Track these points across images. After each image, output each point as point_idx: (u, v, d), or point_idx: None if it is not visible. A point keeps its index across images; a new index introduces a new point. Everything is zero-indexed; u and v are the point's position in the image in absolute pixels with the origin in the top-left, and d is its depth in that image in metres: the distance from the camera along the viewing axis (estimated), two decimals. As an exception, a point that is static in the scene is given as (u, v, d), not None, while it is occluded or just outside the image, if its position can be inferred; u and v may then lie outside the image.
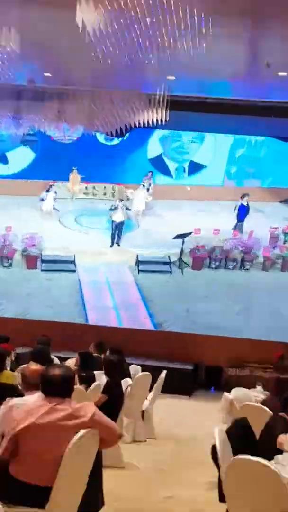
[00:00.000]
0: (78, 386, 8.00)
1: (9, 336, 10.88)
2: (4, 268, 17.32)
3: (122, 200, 19.37)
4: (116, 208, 19.05)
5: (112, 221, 18.89)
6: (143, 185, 20.86)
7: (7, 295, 16.08)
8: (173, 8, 6.82)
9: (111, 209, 19.11)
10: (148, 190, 22.75)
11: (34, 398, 4.83)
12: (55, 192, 20.38)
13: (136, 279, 17.27)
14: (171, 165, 24.78)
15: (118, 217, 18.88)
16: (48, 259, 17.66)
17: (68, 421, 4.53)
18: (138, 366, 11.37)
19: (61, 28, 8.45)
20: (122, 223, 18.97)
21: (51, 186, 20.45)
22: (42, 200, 20.30)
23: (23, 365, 8.32)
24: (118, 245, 18.83)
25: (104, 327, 15.32)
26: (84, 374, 9.05)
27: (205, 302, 16.33)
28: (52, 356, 9.73)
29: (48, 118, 14.92)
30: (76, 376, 8.34)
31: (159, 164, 24.45)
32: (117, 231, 18.98)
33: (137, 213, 21.06)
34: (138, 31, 7.83)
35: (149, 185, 23.06)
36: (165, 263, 18.09)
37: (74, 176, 22.38)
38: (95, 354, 10.35)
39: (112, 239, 18.84)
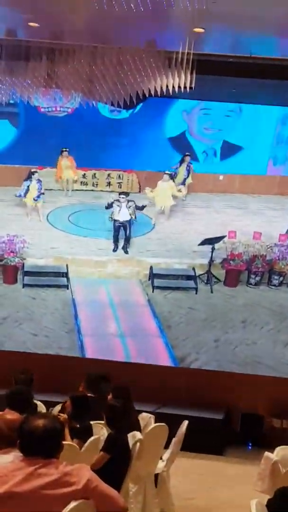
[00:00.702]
0: (69, 442, 7.97)
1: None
2: (-27, 283, 17.36)
3: (127, 194, 19.28)
4: (118, 205, 18.95)
5: (115, 220, 18.84)
6: (168, 174, 20.82)
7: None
8: None
9: (107, 207, 19.05)
10: (183, 182, 22.78)
11: (9, 459, 4.79)
12: (39, 180, 20.34)
13: (149, 298, 17.24)
14: (198, 147, 24.82)
15: (122, 214, 18.81)
16: (33, 270, 17.68)
17: (55, 490, 4.49)
18: (151, 415, 11.33)
19: None
20: (129, 222, 18.90)
21: (32, 173, 20.43)
22: (20, 195, 20.29)
23: (-4, 413, 8.32)
24: (126, 252, 18.81)
25: (105, 361, 15.27)
26: (78, 426, 9.01)
27: (241, 330, 16.29)
28: (35, 401, 9.69)
29: (34, 83, 14.96)
30: (67, 429, 8.31)
31: (181, 145, 24.46)
32: (124, 233, 18.95)
33: (160, 212, 21.05)
34: None
35: (187, 174, 23.07)
36: (188, 277, 18.07)
37: (66, 160, 22.40)
38: (89, 395, 10.31)
39: (115, 241, 18.82)
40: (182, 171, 22.93)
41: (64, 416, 8.85)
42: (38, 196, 20.18)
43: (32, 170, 20.57)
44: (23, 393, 8.60)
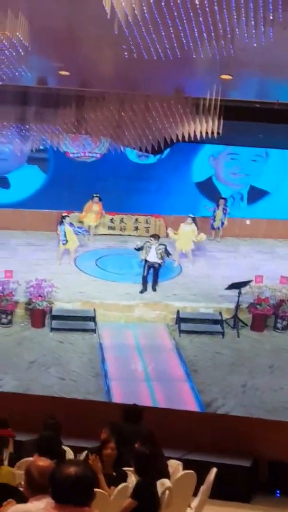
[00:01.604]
0: (100, 490, 7.90)
1: (6, 419, 10.83)
2: (2, 327, 17.37)
3: (158, 237, 19.34)
4: (148, 247, 18.97)
5: (145, 261, 18.86)
6: (191, 217, 20.87)
7: (5, 362, 16.05)
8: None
9: (136, 249, 19.09)
10: (222, 225, 22.85)
11: (41, 506, 4.76)
12: (71, 224, 20.48)
13: (176, 342, 17.17)
14: (225, 191, 24.84)
15: (152, 255, 18.83)
16: (60, 314, 17.69)
17: (86, 538, 4.44)
18: (179, 462, 11.22)
19: (82, 14, 8.55)
20: (158, 264, 18.92)
21: (64, 217, 20.58)
22: (64, 242, 20.46)
23: (26, 459, 8.29)
24: (154, 290, 18.81)
25: (132, 406, 15.19)
26: (115, 474, 8.93)
27: (268, 375, 16.15)
28: (63, 447, 9.65)
29: (63, 129, 15.09)
30: (102, 476, 8.27)
31: (208, 190, 24.51)
32: (153, 273, 18.96)
33: (182, 255, 21.09)
34: (183, 16, 7.89)
35: (223, 217, 23.12)
36: (215, 321, 18.00)
37: (96, 205, 22.51)
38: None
39: (144, 283, 18.83)
40: (219, 214, 23.00)
41: (92, 460, 8.77)
42: (77, 233, 20.32)
43: (63, 214, 20.72)
44: (52, 439, 8.56)
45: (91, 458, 8.80)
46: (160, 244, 18.94)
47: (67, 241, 20.31)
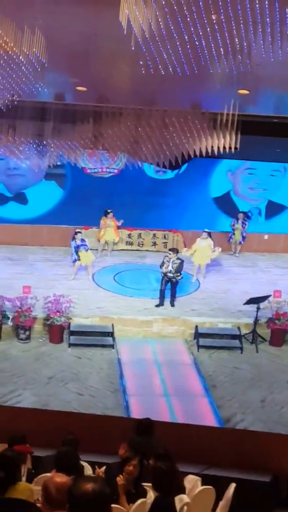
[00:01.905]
0: (118, 506, 7.86)
1: (24, 435, 10.79)
2: (20, 342, 17.37)
3: (176, 251, 19.31)
4: (167, 260, 18.96)
5: (164, 274, 18.84)
6: (207, 232, 20.85)
7: (23, 378, 16.03)
8: (247, 0, 6.86)
9: (161, 266, 19.10)
10: (243, 239, 22.83)
11: (58, 521, 4.73)
12: (82, 240, 20.48)
13: (195, 357, 17.11)
14: (243, 206, 24.81)
15: (169, 269, 18.81)
16: (78, 330, 17.68)
17: None
18: (197, 477, 11.14)
19: (99, 30, 8.57)
20: (175, 278, 18.90)
21: (76, 233, 20.61)
22: (75, 260, 20.53)
23: (44, 475, 8.25)
24: (173, 305, 18.81)
25: (151, 421, 15.12)
26: (134, 491, 8.87)
27: (287, 390, 16.04)
28: (81, 462, 9.60)
29: (81, 145, 15.12)
30: (123, 493, 8.21)
31: (226, 205, 24.54)
32: (171, 288, 18.95)
33: (197, 271, 21.08)
34: (200, 31, 7.89)
35: (243, 231, 23.12)
36: (234, 336, 17.95)
37: (110, 221, 22.54)
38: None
39: (161, 297, 18.83)
40: (239, 228, 23.01)
41: (121, 480, 8.72)
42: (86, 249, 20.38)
43: (76, 230, 20.73)
44: (70, 455, 8.50)
45: (119, 480, 8.75)
46: (177, 258, 18.88)
47: (78, 258, 20.34)
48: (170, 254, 19.05)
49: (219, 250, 21.34)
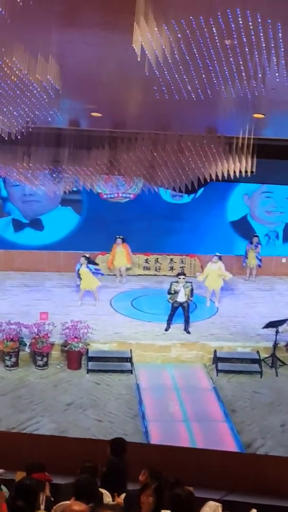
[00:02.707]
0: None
1: (43, 463, 10.76)
2: (37, 369, 17.37)
3: (184, 275, 19.25)
4: (177, 286, 18.92)
5: (174, 301, 18.85)
6: (218, 255, 20.88)
7: (41, 405, 16.02)
8: (261, 25, 6.87)
9: (169, 293, 19.07)
10: (256, 264, 22.81)
11: None
12: (87, 265, 20.54)
13: (214, 382, 17.07)
14: (260, 230, 24.81)
15: (181, 295, 18.80)
16: (97, 355, 17.68)
17: None
18: (218, 503, 11.06)
19: (113, 56, 8.61)
20: (187, 303, 18.89)
21: (85, 258, 20.65)
22: (79, 276, 20.60)
23: (62, 503, 8.22)
24: (188, 332, 18.78)
25: (170, 447, 15.01)
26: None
27: (309, 414, 15.97)
28: (100, 490, 9.56)
29: (96, 171, 15.16)
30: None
31: (243, 229, 24.56)
32: (183, 313, 18.94)
33: (211, 294, 21.07)
34: (214, 57, 7.92)
35: (257, 255, 23.10)
36: (253, 360, 17.89)
37: (121, 247, 22.61)
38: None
39: (169, 321, 18.83)
40: (252, 253, 23.01)
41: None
42: (96, 273, 20.44)
43: (86, 255, 20.82)
44: (89, 483, 8.47)
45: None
46: (187, 282, 18.87)
47: (80, 279, 20.42)
48: (180, 279, 18.95)
49: (230, 275, 21.35)
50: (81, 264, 20.54)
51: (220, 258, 20.96)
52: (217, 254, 21.05)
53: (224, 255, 21.21)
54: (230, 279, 21.49)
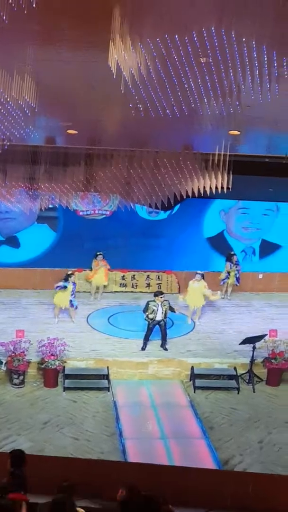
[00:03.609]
0: None
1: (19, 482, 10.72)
2: (14, 387, 17.29)
3: (162, 293, 19.23)
4: (154, 304, 18.88)
5: (150, 319, 18.83)
6: (200, 273, 20.91)
7: (17, 423, 15.93)
8: (235, 43, 6.92)
9: (144, 311, 19.06)
10: (238, 281, 22.83)
11: None
12: (74, 283, 20.55)
13: (191, 399, 17.05)
14: (236, 246, 24.89)
15: (159, 314, 18.80)
16: (73, 373, 17.62)
17: None
18: (196, 522, 11.07)
19: (88, 73, 8.64)
20: (163, 321, 18.88)
21: (69, 275, 20.64)
22: (59, 287, 20.50)
23: (39, 523, 8.18)
24: (165, 349, 18.77)
25: (148, 465, 14.98)
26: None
27: (285, 430, 15.97)
28: (77, 508, 9.51)
29: (72, 188, 15.16)
30: None
31: (220, 245, 24.62)
32: (160, 331, 18.93)
33: (192, 312, 21.10)
34: (189, 74, 7.96)
35: (237, 273, 23.13)
36: (230, 377, 17.90)
37: (101, 263, 22.60)
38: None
39: (146, 340, 18.82)
40: (233, 271, 23.06)
41: None
42: (71, 304, 20.46)
43: (69, 272, 20.76)
44: (65, 503, 8.44)
45: None
46: (164, 300, 18.86)
47: (64, 290, 20.38)
48: (158, 298, 18.90)
49: (219, 294, 21.44)
50: (69, 282, 20.48)
51: (202, 276, 20.98)
52: (199, 272, 21.07)
53: (201, 271, 21.23)
54: (216, 300, 21.60)
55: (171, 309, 18.93)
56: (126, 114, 10.06)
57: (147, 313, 18.78)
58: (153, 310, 18.74)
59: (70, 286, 20.39)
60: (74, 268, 22.23)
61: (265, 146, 14.25)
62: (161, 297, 18.88)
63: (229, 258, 23.40)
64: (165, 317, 18.83)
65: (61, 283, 20.39)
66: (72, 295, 20.49)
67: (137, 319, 19.86)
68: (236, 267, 23.42)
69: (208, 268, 23.25)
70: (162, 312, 18.73)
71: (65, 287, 20.32)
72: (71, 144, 13.91)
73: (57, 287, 20.44)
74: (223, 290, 23.62)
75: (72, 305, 20.64)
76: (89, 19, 6.64)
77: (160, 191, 15.05)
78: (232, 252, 23.64)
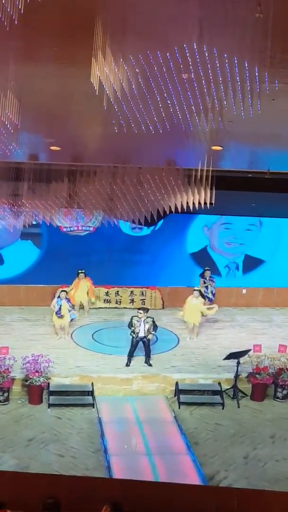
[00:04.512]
0: None
1: (4, 502, 10.65)
2: (-2, 404, 17.23)
3: (146, 310, 19.20)
4: (137, 320, 18.86)
5: (134, 335, 18.82)
6: (197, 290, 20.94)
7: (2, 441, 15.83)
8: (217, 59, 6.96)
9: (129, 326, 19.06)
10: (207, 297, 22.81)
11: None
12: (67, 299, 20.57)
13: (176, 414, 17.01)
14: (220, 261, 24.93)
15: (142, 330, 18.77)
16: (58, 390, 17.54)
17: None
18: (182, 538, 11.03)
19: (70, 90, 8.66)
20: (146, 338, 18.84)
21: (62, 291, 20.61)
22: (58, 314, 20.54)
23: None
24: (150, 365, 18.73)
25: (133, 481, 14.90)
26: None
27: (270, 445, 15.94)
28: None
29: (56, 204, 15.17)
30: None
31: (203, 260, 24.65)
32: (144, 348, 18.91)
33: (190, 330, 21.13)
34: (171, 90, 8.00)
35: (211, 291, 23.14)
36: (214, 392, 17.87)
37: (84, 281, 22.58)
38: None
39: (130, 356, 18.80)
40: (209, 287, 23.07)
41: None
42: (71, 319, 20.53)
43: (62, 289, 20.79)
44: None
45: None
46: (148, 317, 18.82)
47: (62, 316, 20.36)
48: (140, 313, 18.90)
49: (216, 307, 21.47)
50: (61, 299, 20.45)
51: (200, 292, 21.01)
52: (196, 288, 21.11)
53: (184, 286, 21.24)
54: (213, 313, 21.66)
55: (154, 327, 18.88)
56: (109, 130, 10.08)
57: (132, 328, 18.79)
58: (136, 325, 18.73)
59: (64, 303, 20.39)
60: (58, 285, 22.18)
61: (247, 161, 14.31)
62: (143, 313, 18.85)
63: (202, 274, 23.43)
64: (149, 334, 18.78)
65: (56, 305, 20.43)
66: (69, 310, 20.51)
67: (121, 335, 19.85)
68: (211, 283, 23.42)
69: (191, 284, 23.23)
70: (145, 328, 18.70)
71: (60, 306, 20.34)
72: (54, 160, 13.93)
73: (57, 313, 20.53)
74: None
75: (71, 320, 20.69)
76: (71, 35, 6.66)
77: (143, 207, 15.08)
78: (207, 268, 23.64)
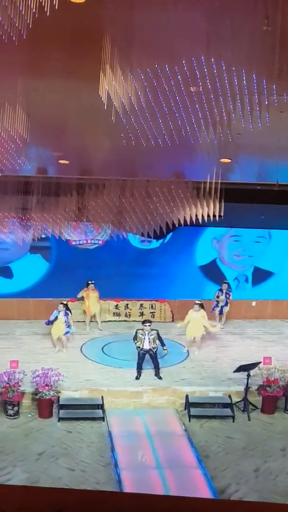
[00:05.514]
0: None
1: (15, 514, 10.62)
2: (8, 418, 17.17)
3: (150, 322, 19.12)
4: (142, 333, 18.82)
5: (139, 348, 18.77)
6: (198, 303, 20.87)
7: (12, 455, 15.82)
8: (225, 72, 6.97)
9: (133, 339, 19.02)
10: (221, 311, 22.79)
11: None
12: (66, 313, 20.52)
13: (186, 427, 16.95)
14: (229, 274, 24.90)
15: (146, 343, 18.72)
16: (68, 403, 17.51)
17: None
18: None
19: (79, 103, 8.68)
20: (154, 350, 18.78)
21: (60, 304, 20.59)
22: (48, 323, 20.53)
23: None
24: (160, 378, 18.70)
25: (144, 495, 14.83)
26: None
27: (281, 458, 15.85)
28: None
29: (65, 218, 15.18)
30: None
31: (213, 273, 24.63)
32: (151, 360, 18.85)
33: (192, 341, 21.05)
34: (180, 103, 8.01)
35: (225, 302, 23.09)
36: (225, 405, 17.81)
37: (93, 292, 22.58)
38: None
39: (139, 369, 18.74)
40: (223, 300, 23.04)
41: None
42: (66, 333, 20.50)
43: (64, 302, 20.74)
44: (61, 534, 8.35)
45: None
46: (152, 330, 18.77)
47: (51, 323, 20.38)
48: (145, 327, 18.85)
49: (219, 326, 21.44)
50: (59, 311, 20.45)
51: (201, 306, 20.95)
52: (198, 302, 21.04)
53: (194, 299, 21.19)
54: (215, 332, 21.62)
55: (160, 341, 18.82)
56: (117, 143, 10.10)
57: (135, 342, 18.75)
58: (140, 338, 18.70)
59: (61, 316, 20.36)
60: (67, 298, 22.19)
61: (256, 173, 14.30)
62: (149, 326, 18.81)
63: (221, 286, 23.43)
64: (154, 346, 18.73)
65: (52, 316, 20.43)
66: (65, 324, 20.46)
67: (131, 348, 19.80)
68: (227, 295, 23.37)
69: (201, 296, 23.20)
70: (149, 342, 18.66)
71: (56, 317, 20.32)
72: (63, 174, 13.96)
73: (47, 322, 20.55)
74: (216, 318, 23.59)
75: (65, 333, 20.63)
76: (79, 50, 6.68)
77: (152, 220, 15.07)
78: (225, 281, 23.64)
